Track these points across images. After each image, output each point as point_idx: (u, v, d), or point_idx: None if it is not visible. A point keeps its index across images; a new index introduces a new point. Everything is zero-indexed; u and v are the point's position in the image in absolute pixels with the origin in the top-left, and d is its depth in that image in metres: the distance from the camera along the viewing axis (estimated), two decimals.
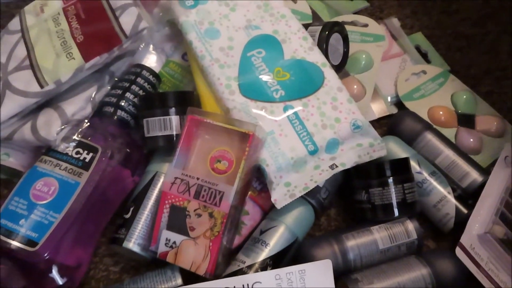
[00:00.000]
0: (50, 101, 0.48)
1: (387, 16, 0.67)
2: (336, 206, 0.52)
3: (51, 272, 0.42)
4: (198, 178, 0.42)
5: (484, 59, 0.63)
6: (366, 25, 0.62)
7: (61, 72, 0.46)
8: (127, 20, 0.49)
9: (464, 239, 0.45)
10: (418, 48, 0.63)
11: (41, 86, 0.46)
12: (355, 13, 0.66)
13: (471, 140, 0.55)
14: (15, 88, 0.47)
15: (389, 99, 0.59)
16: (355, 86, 0.57)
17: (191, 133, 0.44)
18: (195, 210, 0.42)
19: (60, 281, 0.42)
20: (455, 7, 0.68)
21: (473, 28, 0.66)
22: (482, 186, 0.48)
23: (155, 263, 0.46)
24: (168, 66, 0.55)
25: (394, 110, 0.58)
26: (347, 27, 0.60)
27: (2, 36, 0.53)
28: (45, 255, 0.41)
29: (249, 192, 0.47)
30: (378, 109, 0.58)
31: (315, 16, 0.63)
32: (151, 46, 0.56)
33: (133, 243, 0.44)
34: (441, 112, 0.57)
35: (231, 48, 0.50)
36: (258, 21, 0.52)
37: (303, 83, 0.49)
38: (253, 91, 0.48)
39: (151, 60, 0.55)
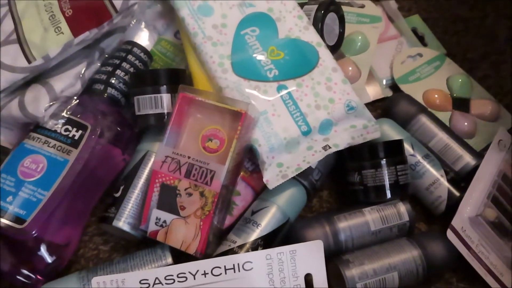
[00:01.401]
0: (38, 77, 0.46)
1: None
2: (329, 188, 0.52)
3: (39, 250, 0.42)
4: (189, 157, 0.42)
5: (481, 43, 0.63)
6: (362, 6, 0.61)
7: (49, 47, 0.45)
8: None
9: (456, 222, 0.45)
10: (414, 31, 0.63)
11: (29, 61, 0.45)
12: None
13: (466, 123, 0.55)
14: (3, 64, 0.46)
15: (384, 81, 0.58)
16: (350, 68, 0.56)
17: (182, 111, 0.44)
18: (185, 189, 0.41)
19: (49, 259, 0.42)
20: None
21: (471, 12, 0.65)
22: (475, 169, 0.48)
23: (145, 243, 0.46)
24: (160, 44, 0.54)
25: (389, 93, 0.58)
26: (344, 8, 0.59)
27: None
28: (33, 232, 0.41)
29: (241, 173, 0.46)
30: (373, 91, 0.58)
31: None
32: (143, 23, 0.55)
33: (123, 222, 0.44)
34: (436, 96, 0.57)
35: (225, 26, 0.48)
36: None
37: (298, 63, 0.48)
38: (246, 70, 0.47)
39: (143, 38, 0.54)
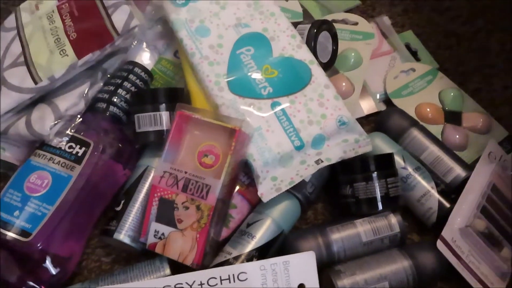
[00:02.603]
0: (44, 97, 0.49)
1: (378, 14, 0.68)
2: (323, 200, 0.53)
3: (44, 262, 0.44)
4: (186, 172, 0.44)
5: (473, 56, 0.64)
6: (356, 23, 0.63)
7: (54, 69, 0.48)
8: (119, 18, 0.50)
9: (446, 233, 0.46)
10: (408, 46, 0.64)
11: (35, 82, 0.48)
12: (347, 11, 0.67)
13: (457, 136, 0.56)
14: (11, 84, 0.49)
15: (378, 96, 0.60)
16: (344, 84, 0.58)
17: (180, 128, 0.46)
18: (183, 203, 0.43)
19: (53, 271, 0.44)
20: (446, 5, 0.69)
21: (463, 26, 0.67)
22: (465, 181, 0.49)
23: (145, 255, 0.47)
24: (161, 63, 0.56)
25: (383, 107, 0.59)
26: (337, 25, 0.61)
27: None
28: (38, 245, 0.43)
29: (237, 187, 0.48)
30: (367, 106, 0.59)
31: (306, 14, 0.64)
32: (144, 43, 0.57)
33: (124, 234, 0.45)
34: (428, 109, 0.58)
35: (221, 46, 0.51)
36: (247, 19, 0.53)
37: (291, 80, 0.50)
38: (242, 88, 0.49)
39: (144, 58, 0.57)
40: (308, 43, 0.53)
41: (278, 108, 0.48)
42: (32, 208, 0.44)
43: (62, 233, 0.45)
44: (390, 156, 0.48)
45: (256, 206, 0.48)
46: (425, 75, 0.61)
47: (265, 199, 0.45)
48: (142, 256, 0.48)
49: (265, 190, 0.45)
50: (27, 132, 0.47)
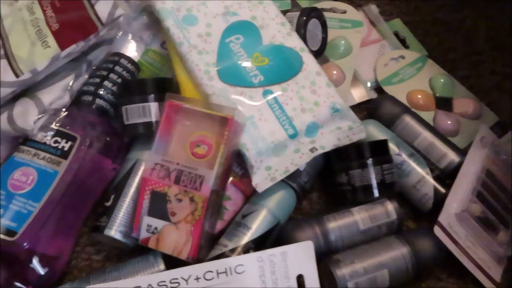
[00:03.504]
0: (27, 91, 0.47)
1: (366, 3, 0.67)
2: (318, 189, 0.52)
3: (31, 262, 0.42)
4: (178, 163, 0.42)
5: (461, 44, 0.64)
6: (344, 12, 0.63)
7: (36, 61, 0.46)
8: (102, 8, 0.48)
9: (442, 218, 0.46)
10: (396, 34, 0.64)
11: (17, 75, 0.46)
12: (334, 0, 0.66)
13: (449, 122, 0.56)
14: None
15: (368, 84, 0.60)
16: (335, 72, 0.58)
17: (170, 119, 0.44)
18: (175, 195, 0.42)
19: (41, 271, 0.42)
20: None
21: (450, 14, 0.67)
22: (459, 166, 0.49)
23: (138, 251, 0.46)
24: (147, 55, 0.55)
25: (374, 95, 0.59)
26: (326, 14, 0.60)
27: None
28: (25, 244, 0.41)
29: (231, 178, 0.47)
30: (358, 94, 0.59)
31: (294, 3, 0.63)
32: (130, 35, 0.55)
33: (115, 230, 0.44)
34: (419, 96, 0.58)
35: (209, 35, 0.49)
36: (235, 7, 0.51)
37: (282, 68, 0.49)
38: (232, 76, 0.48)
39: (130, 49, 0.55)
40: (297, 30, 0.53)
41: (270, 97, 0.47)
42: (17, 206, 0.42)
43: (50, 231, 0.43)
44: (384, 143, 0.48)
45: (251, 197, 0.47)
46: (414, 62, 0.61)
47: (260, 189, 0.44)
48: (134, 252, 0.46)
49: (260, 180, 0.44)
50: (9, 127, 0.45)
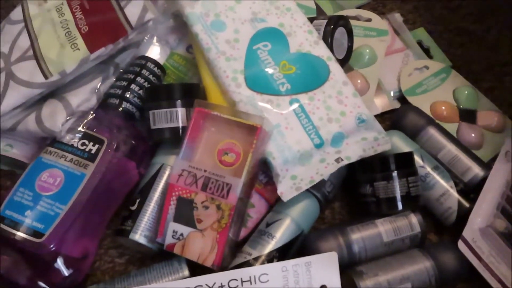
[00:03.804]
0: (55, 92, 0.47)
1: (389, 11, 0.67)
2: (340, 199, 0.52)
3: (56, 263, 0.42)
4: (205, 170, 0.43)
5: (486, 55, 0.64)
6: (369, 20, 0.62)
7: (66, 63, 0.46)
8: (132, 11, 0.48)
9: (466, 233, 0.46)
10: (420, 43, 0.64)
11: (46, 77, 0.46)
12: (358, 7, 0.66)
13: (473, 135, 0.56)
14: (19, 79, 0.47)
15: (392, 93, 0.59)
16: (359, 81, 0.57)
17: (198, 126, 0.44)
18: (202, 202, 0.42)
19: (66, 273, 0.42)
20: (457, 3, 0.68)
21: (475, 24, 0.66)
22: (483, 180, 0.49)
23: (161, 255, 0.46)
24: (173, 58, 0.55)
25: (397, 105, 0.59)
26: (351, 22, 0.60)
27: (3, 26, 0.52)
28: (51, 246, 0.41)
29: (255, 185, 0.47)
30: (381, 103, 0.58)
31: (319, 10, 0.63)
32: (155, 38, 0.55)
33: (140, 234, 0.44)
34: (443, 107, 0.58)
35: (237, 41, 0.49)
36: (263, 14, 0.51)
37: (309, 77, 0.49)
38: (259, 84, 0.48)
39: (155, 52, 0.55)
40: (324, 39, 0.52)
41: (296, 105, 0.47)
42: (44, 208, 0.42)
43: (75, 233, 0.43)
44: (410, 155, 0.47)
45: (274, 205, 0.47)
46: (438, 73, 0.60)
47: (285, 198, 0.44)
48: (157, 257, 0.47)
49: (285, 189, 0.44)
50: (38, 128, 0.45)
